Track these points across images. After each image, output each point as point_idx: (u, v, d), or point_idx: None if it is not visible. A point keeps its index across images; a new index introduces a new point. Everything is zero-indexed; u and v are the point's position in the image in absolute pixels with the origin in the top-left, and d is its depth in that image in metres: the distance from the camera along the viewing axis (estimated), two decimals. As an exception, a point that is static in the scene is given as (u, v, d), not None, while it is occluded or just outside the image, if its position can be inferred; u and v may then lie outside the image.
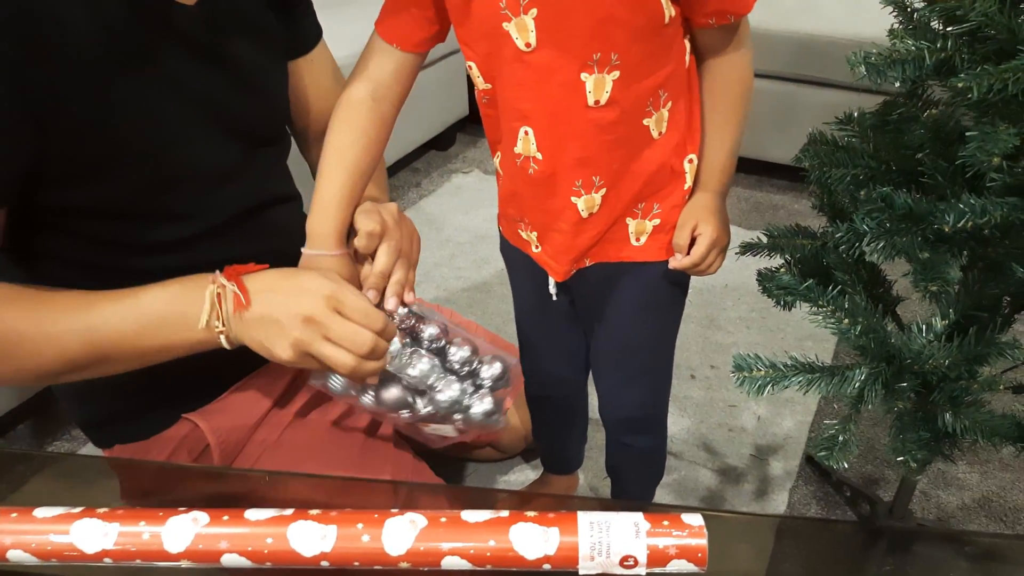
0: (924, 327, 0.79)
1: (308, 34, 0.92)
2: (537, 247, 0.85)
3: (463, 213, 2.14)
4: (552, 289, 0.87)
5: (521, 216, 0.84)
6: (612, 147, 0.75)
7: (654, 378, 0.99)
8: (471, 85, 2.98)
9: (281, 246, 0.84)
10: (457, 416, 0.81)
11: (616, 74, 0.69)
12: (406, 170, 2.43)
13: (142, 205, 0.73)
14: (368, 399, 0.78)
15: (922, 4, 0.76)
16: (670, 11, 0.69)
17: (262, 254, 0.82)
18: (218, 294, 0.67)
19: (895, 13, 0.80)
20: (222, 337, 0.69)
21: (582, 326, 0.96)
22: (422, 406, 0.79)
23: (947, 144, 0.73)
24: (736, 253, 0.95)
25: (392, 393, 0.78)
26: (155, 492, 0.69)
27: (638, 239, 0.83)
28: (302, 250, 0.79)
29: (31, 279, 0.78)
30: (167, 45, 0.70)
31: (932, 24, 0.76)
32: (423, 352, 0.80)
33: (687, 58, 0.76)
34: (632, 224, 0.81)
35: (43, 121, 0.62)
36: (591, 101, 0.71)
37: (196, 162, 0.75)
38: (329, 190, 0.78)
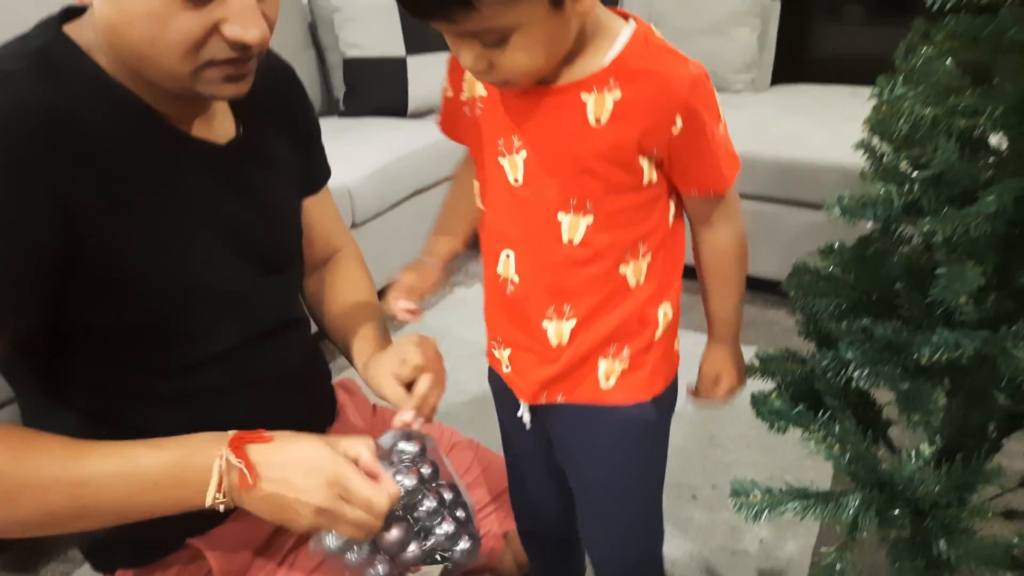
0: (913, 453, 0.81)
1: (319, 174, 0.99)
2: (507, 367, 0.88)
3: (465, 326, 2.18)
4: (524, 416, 0.88)
5: (495, 334, 0.87)
6: (586, 284, 0.78)
7: (640, 522, 0.97)
8: (474, 203, 3.03)
9: (289, 369, 0.87)
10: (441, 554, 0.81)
11: (590, 219, 0.74)
12: (410, 283, 2.49)
13: (155, 327, 0.75)
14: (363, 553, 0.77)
15: (891, 150, 0.82)
16: (651, 175, 0.74)
17: (270, 377, 0.85)
18: (223, 469, 0.67)
19: (867, 156, 0.86)
20: (221, 507, 0.69)
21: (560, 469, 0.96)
22: (416, 548, 0.79)
23: (921, 279, 0.77)
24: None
25: (393, 535, 0.76)
26: None
27: (607, 380, 0.83)
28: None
29: (31, 404, 0.80)
30: (190, 168, 0.75)
31: (901, 167, 0.83)
32: (427, 489, 0.80)
33: (671, 217, 0.80)
34: (602, 365, 0.82)
35: (72, 232, 0.65)
36: (565, 239, 0.76)
37: (211, 285, 0.78)
38: (435, 228, 0.93)
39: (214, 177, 0.77)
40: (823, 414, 0.85)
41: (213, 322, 0.79)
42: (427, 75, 2.50)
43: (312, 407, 0.95)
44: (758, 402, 0.94)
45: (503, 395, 0.92)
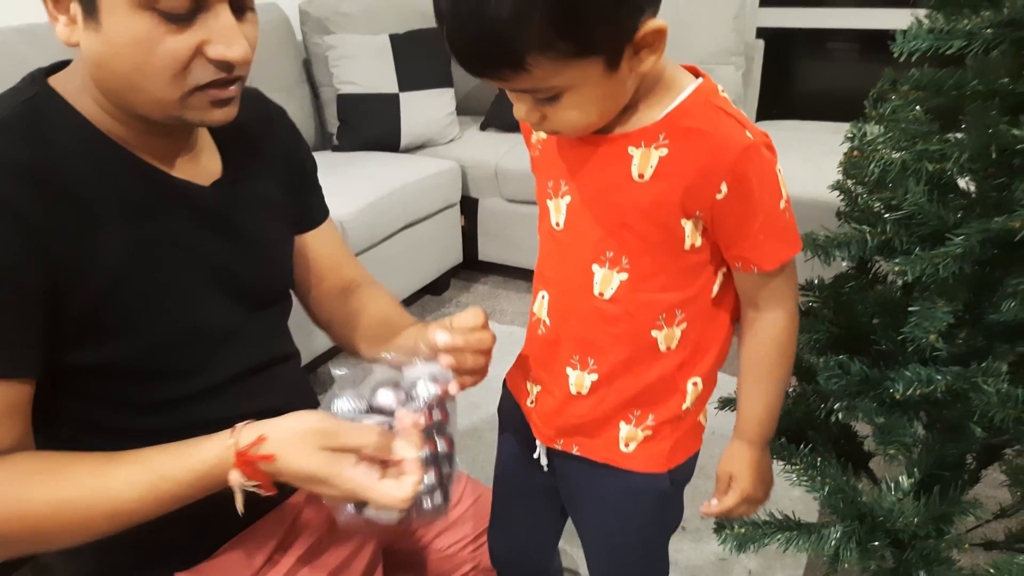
0: (893, 485, 0.83)
1: (317, 211, 1.01)
2: (532, 402, 0.88)
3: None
4: (542, 458, 0.87)
5: (528, 368, 0.87)
6: (613, 340, 0.76)
7: (647, 571, 0.94)
8: (465, 234, 3.08)
9: (277, 404, 0.87)
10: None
11: (624, 276, 0.72)
12: (402, 315, 2.51)
13: (146, 365, 0.75)
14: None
15: (864, 192, 0.86)
16: (694, 239, 0.70)
17: (261, 411, 0.86)
18: (242, 485, 0.68)
19: (842, 198, 0.90)
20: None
21: (558, 507, 0.96)
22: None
23: (895, 316, 0.80)
24: (715, 408, 1.00)
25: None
26: None
27: (627, 445, 0.81)
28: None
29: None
30: (176, 211, 0.76)
31: (875, 208, 0.86)
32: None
33: (715, 288, 0.75)
34: (624, 429, 0.80)
35: (57, 276, 0.66)
36: (596, 292, 0.74)
37: (202, 323, 0.79)
38: None
39: (198, 218, 0.78)
40: (804, 446, 0.87)
41: (202, 360, 0.80)
42: (419, 111, 2.55)
43: None
44: (742, 435, 0.96)
45: (518, 428, 0.91)
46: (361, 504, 0.72)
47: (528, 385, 0.87)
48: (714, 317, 0.77)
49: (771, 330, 0.75)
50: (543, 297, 0.80)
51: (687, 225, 0.69)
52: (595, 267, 0.73)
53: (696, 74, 0.71)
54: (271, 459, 0.68)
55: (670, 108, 0.67)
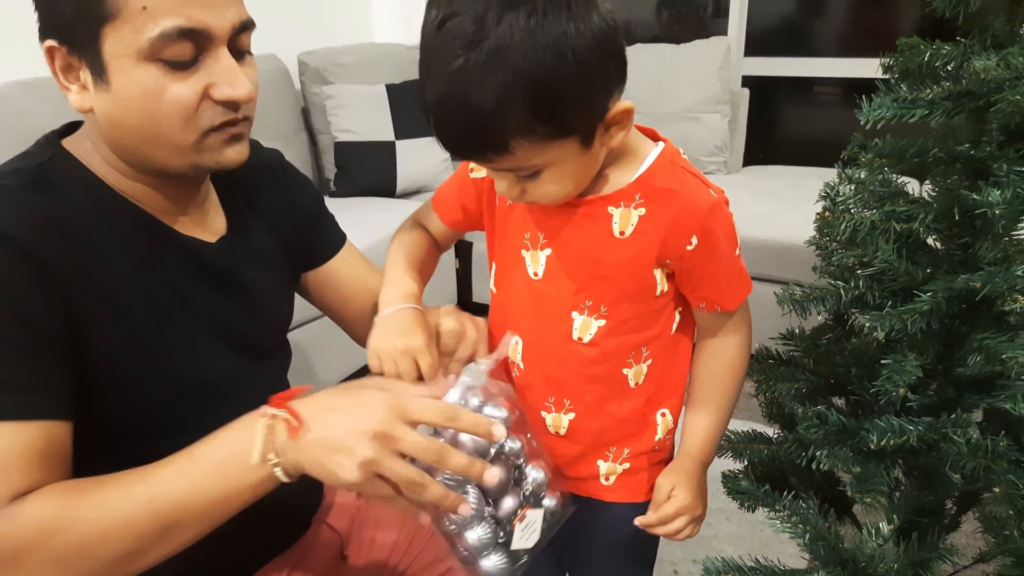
0: (874, 531, 0.86)
1: (329, 242, 1.02)
2: None
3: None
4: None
5: None
6: (589, 381, 0.81)
7: None
8: (459, 276, 3.11)
9: None
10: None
11: (603, 322, 0.78)
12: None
13: (145, 420, 0.77)
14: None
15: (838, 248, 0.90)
16: (663, 286, 0.78)
17: None
18: (268, 425, 0.66)
19: (818, 253, 0.93)
20: (278, 470, 0.66)
21: (555, 558, 0.99)
22: (514, 493, 0.76)
23: (870, 367, 0.83)
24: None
25: (495, 472, 0.70)
26: None
27: (607, 479, 0.87)
28: (375, 319, 0.81)
29: None
30: (179, 266, 0.79)
31: (849, 263, 0.90)
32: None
33: (674, 325, 0.83)
34: (603, 466, 0.86)
35: (76, 326, 0.68)
36: (575, 336, 0.79)
37: (203, 377, 0.81)
38: (394, 269, 0.87)
39: (203, 274, 0.81)
40: (788, 493, 0.90)
41: (201, 414, 0.80)
42: (415, 158, 2.61)
43: (303, 487, 0.97)
44: (729, 481, 0.99)
45: None
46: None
47: None
48: (675, 352, 0.84)
49: (728, 352, 0.84)
50: (516, 343, 0.84)
51: (658, 273, 0.77)
52: (575, 314, 0.79)
53: (655, 137, 0.79)
54: (307, 387, 0.70)
55: (641, 171, 0.75)
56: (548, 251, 0.79)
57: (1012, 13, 0.73)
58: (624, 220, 0.74)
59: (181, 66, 0.68)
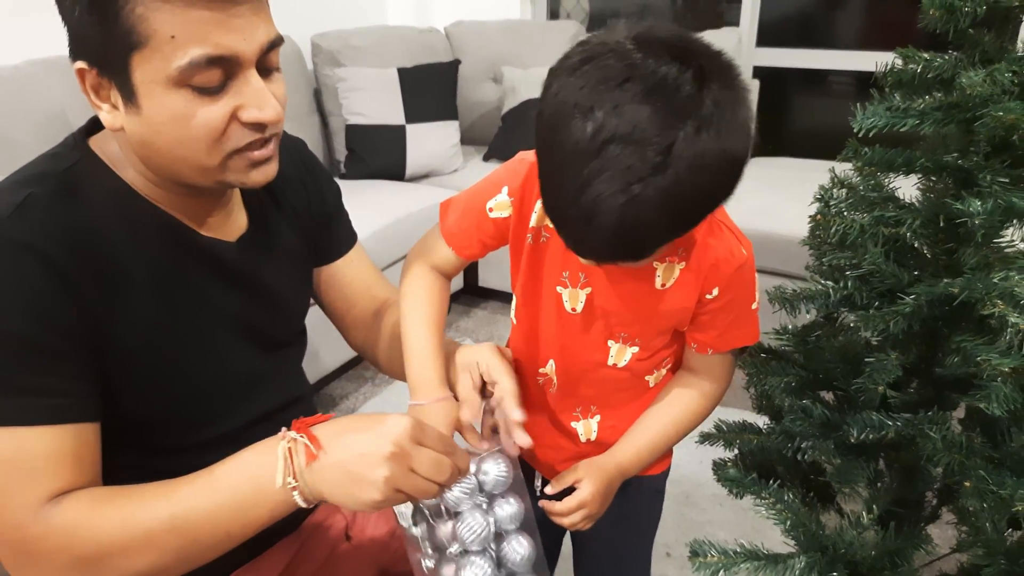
0: (855, 519, 0.90)
1: (343, 241, 1.04)
2: (534, 458, 0.96)
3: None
4: (548, 488, 0.89)
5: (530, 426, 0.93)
6: (617, 391, 0.88)
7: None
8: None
9: None
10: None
11: (636, 349, 0.84)
12: (403, 339, 2.58)
13: (169, 415, 0.79)
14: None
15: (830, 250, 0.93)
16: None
17: None
18: (289, 449, 0.68)
19: (812, 252, 0.97)
20: (296, 495, 0.68)
21: (550, 539, 1.01)
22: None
23: (856, 364, 0.87)
24: (696, 442, 1.07)
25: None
26: None
27: None
28: (409, 403, 0.83)
29: None
30: (200, 269, 0.81)
31: (840, 263, 0.94)
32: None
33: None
34: None
35: (98, 331, 0.71)
36: (610, 362, 0.85)
37: (223, 373, 0.83)
38: (419, 343, 0.85)
39: (222, 274, 0.83)
40: (774, 482, 0.94)
41: (224, 406, 0.84)
42: (424, 142, 2.64)
43: None
44: (718, 469, 1.03)
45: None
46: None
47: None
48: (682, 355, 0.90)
49: (697, 400, 0.87)
50: (551, 363, 0.88)
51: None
52: (610, 343, 0.84)
53: None
54: (328, 417, 0.72)
55: None
56: (588, 290, 0.81)
57: (1001, 30, 0.76)
58: (667, 274, 0.78)
59: (210, 91, 0.68)
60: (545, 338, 0.87)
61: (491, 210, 0.85)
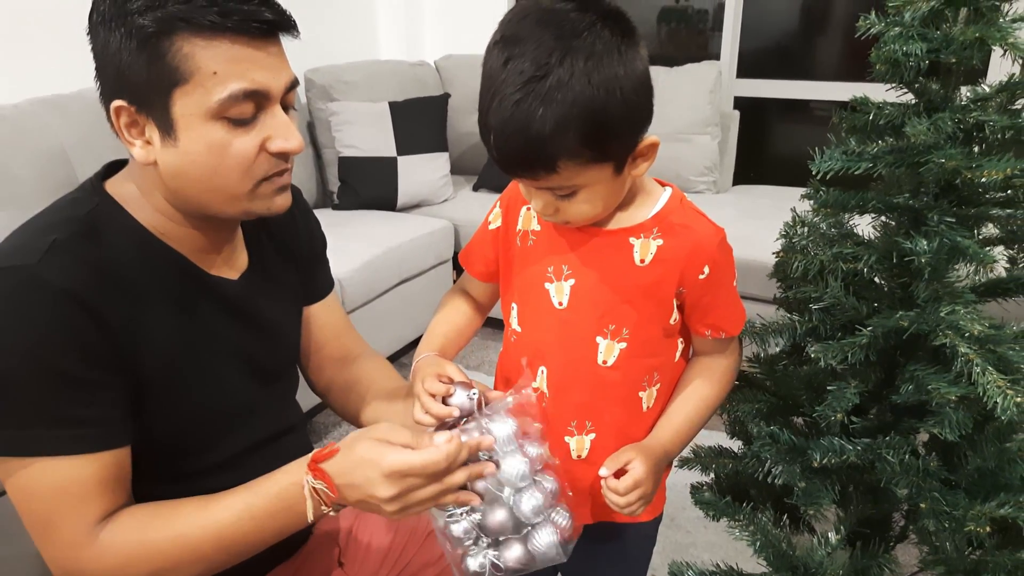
0: (824, 540, 0.94)
1: (324, 283, 1.10)
2: None
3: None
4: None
5: None
6: (610, 403, 0.89)
7: None
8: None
9: None
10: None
11: (624, 345, 0.86)
12: (395, 364, 2.62)
13: (169, 443, 0.82)
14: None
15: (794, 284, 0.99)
16: (675, 315, 0.88)
17: None
18: (314, 488, 0.76)
19: (780, 287, 1.02)
20: (325, 508, 0.77)
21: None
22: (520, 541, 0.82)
23: (819, 392, 0.92)
24: (676, 467, 1.11)
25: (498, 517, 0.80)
26: None
27: None
28: (416, 360, 0.93)
29: None
30: (208, 304, 0.86)
31: (804, 296, 0.99)
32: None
33: (677, 354, 0.92)
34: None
35: (122, 362, 0.75)
36: (600, 360, 0.87)
37: (224, 404, 0.88)
38: (428, 330, 1.00)
39: (227, 310, 0.88)
40: (747, 505, 0.99)
41: (221, 435, 0.89)
42: (416, 173, 2.71)
43: None
44: (695, 492, 1.08)
45: None
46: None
47: None
48: (676, 377, 0.94)
49: (720, 368, 0.93)
50: (541, 372, 0.91)
51: (673, 301, 0.87)
52: (599, 339, 0.87)
53: (662, 184, 0.89)
54: (335, 451, 0.78)
55: (657, 209, 0.85)
56: (572, 281, 0.86)
57: (945, 81, 0.82)
58: (644, 249, 0.84)
59: (243, 123, 0.75)
60: (537, 342, 0.91)
61: (489, 224, 0.96)
